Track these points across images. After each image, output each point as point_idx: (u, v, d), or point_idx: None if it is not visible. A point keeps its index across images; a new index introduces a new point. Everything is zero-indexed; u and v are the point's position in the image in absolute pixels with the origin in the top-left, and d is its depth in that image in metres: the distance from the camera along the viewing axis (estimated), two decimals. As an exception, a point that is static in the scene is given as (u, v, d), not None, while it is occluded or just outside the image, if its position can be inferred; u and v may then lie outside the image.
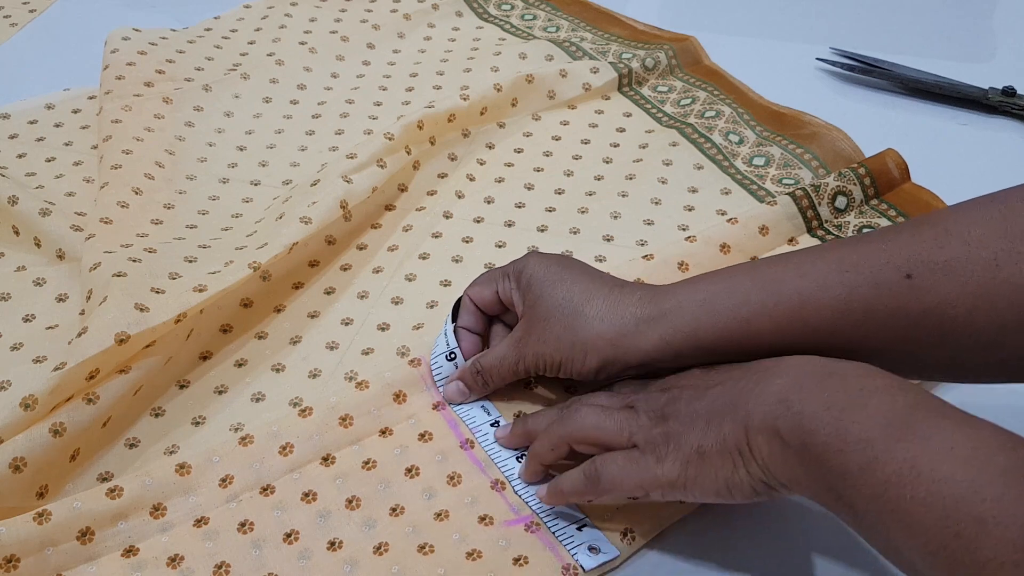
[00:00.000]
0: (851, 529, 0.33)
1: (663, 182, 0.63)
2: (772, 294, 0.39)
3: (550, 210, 0.61)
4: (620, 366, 0.42)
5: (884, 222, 0.58)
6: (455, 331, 0.47)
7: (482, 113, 0.67)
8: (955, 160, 0.66)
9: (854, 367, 0.35)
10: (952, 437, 0.30)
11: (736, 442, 0.36)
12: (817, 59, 0.77)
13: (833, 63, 0.76)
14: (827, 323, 0.38)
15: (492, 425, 0.46)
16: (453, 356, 0.47)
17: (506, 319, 0.48)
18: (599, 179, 0.64)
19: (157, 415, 0.47)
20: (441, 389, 0.47)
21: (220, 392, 0.48)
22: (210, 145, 0.66)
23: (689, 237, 0.54)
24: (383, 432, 0.46)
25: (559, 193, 0.63)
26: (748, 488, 0.36)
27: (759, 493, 0.36)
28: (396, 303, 0.54)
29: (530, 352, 0.43)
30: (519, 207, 0.61)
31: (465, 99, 0.66)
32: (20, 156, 0.64)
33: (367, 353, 0.51)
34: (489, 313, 0.48)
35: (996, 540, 0.27)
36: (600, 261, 0.57)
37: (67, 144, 0.66)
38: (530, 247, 0.58)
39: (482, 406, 0.47)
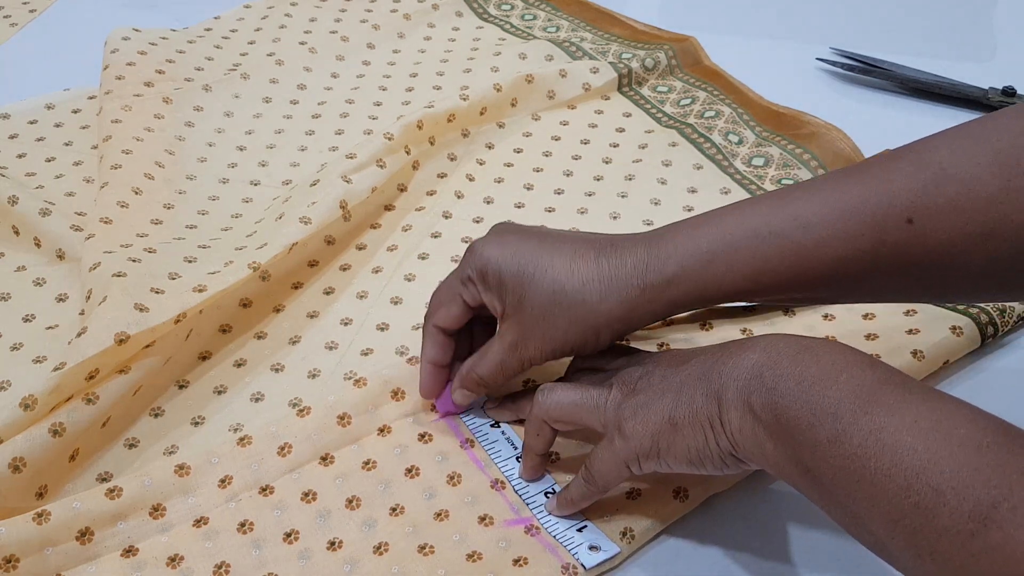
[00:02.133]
0: (815, 504, 0.34)
1: (663, 182, 0.63)
2: (777, 250, 0.39)
3: (550, 210, 0.61)
4: (633, 329, 0.43)
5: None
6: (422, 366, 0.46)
7: (482, 113, 0.67)
8: (955, 160, 0.66)
9: (826, 344, 0.35)
10: (917, 410, 0.30)
11: (708, 414, 0.36)
12: (817, 59, 0.77)
13: (833, 63, 0.76)
14: (830, 272, 0.39)
15: (492, 427, 0.46)
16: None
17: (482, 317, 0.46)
18: (599, 179, 0.64)
19: (156, 415, 0.47)
20: (445, 399, 0.46)
21: (219, 392, 0.48)
22: (210, 145, 0.66)
23: (689, 237, 0.54)
24: (381, 430, 0.46)
25: (559, 193, 0.63)
26: (718, 459, 0.36)
27: (728, 465, 0.37)
28: (395, 303, 0.54)
29: (535, 351, 0.43)
30: (519, 207, 0.61)
31: (465, 99, 0.66)
32: (20, 156, 0.64)
33: (366, 353, 0.51)
34: (457, 328, 0.45)
35: (952, 510, 0.28)
36: (600, 261, 0.57)
37: (67, 144, 0.66)
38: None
39: (482, 406, 0.47)
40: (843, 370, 0.33)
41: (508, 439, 0.45)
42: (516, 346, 0.43)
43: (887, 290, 0.40)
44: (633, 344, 0.47)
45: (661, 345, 0.51)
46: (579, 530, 0.41)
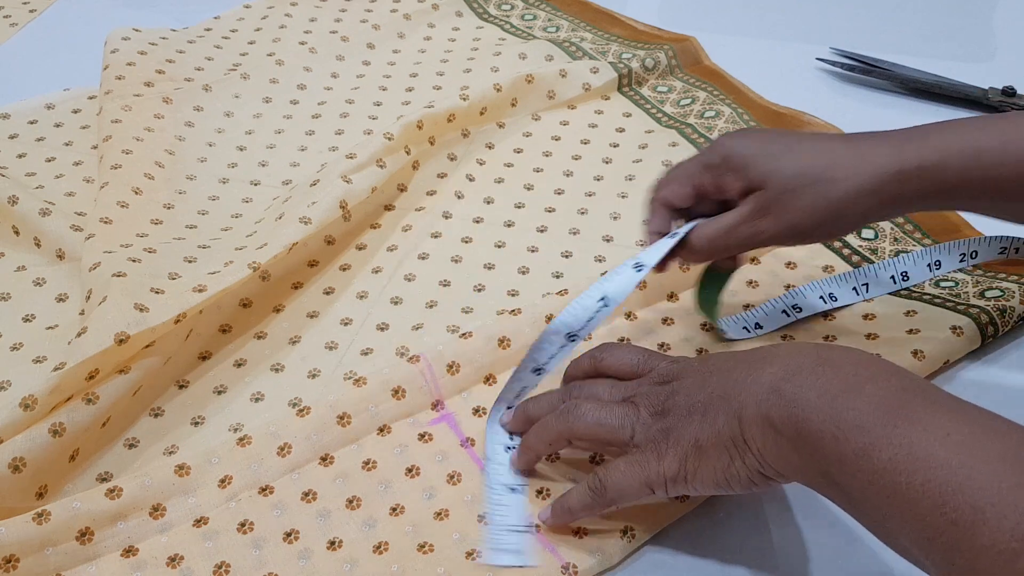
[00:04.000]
0: (847, 514, 0.33)
1: (663, 182, 0.63)
2: None
3: (550, 210, 0.61)
4: (875, 219, 0.43)
5: (884, 223, 0.58)
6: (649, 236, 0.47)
7: (482, 113, 0.67)
8: (955, 160, 0.66)
9: (846, 354, 0.35)
10: (947, 423, 0.30)
11: (731, 434, 0.36)
12: (817, 59, 0.77)
13: (833, 63, 0.76)
14: None
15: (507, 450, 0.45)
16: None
17: (697, 210, 0.46)
18: (599, 179, 0.64)
19: (156, 415, 0.47)
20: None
21: (219, 392, 0.49)
22: (210, 145, 0.66)
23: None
24: (381, 430, 0.46)
25: (559, 193, 0.63)
26: (745, 479, 0.36)
27: (756, 484, 0.36)
28: (395, 303, 0.54)
29: (773, 225, 0.43)
30: (519, 207, 0.61)
31: (465, 99, 0.66)
32: (20, 156, 0.64)
33: (366, 353, 0.51)
34: (679, 206, 0.46)
35: (993, 528, 0.27)
36: (600, 261, 0.57)
37: (67, 144, 0.66)
38: (530, 247, 0.58)
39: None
40: (867, 381, 0.32)
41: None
42: (753, 215, 0.43)
43: None
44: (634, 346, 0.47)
45: (661, 346, 0.51)
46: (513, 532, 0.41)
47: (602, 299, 0.42)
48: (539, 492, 0.43)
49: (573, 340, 0.43)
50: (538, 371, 0.44)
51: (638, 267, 0.44)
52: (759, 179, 0.43)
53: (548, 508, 0.41)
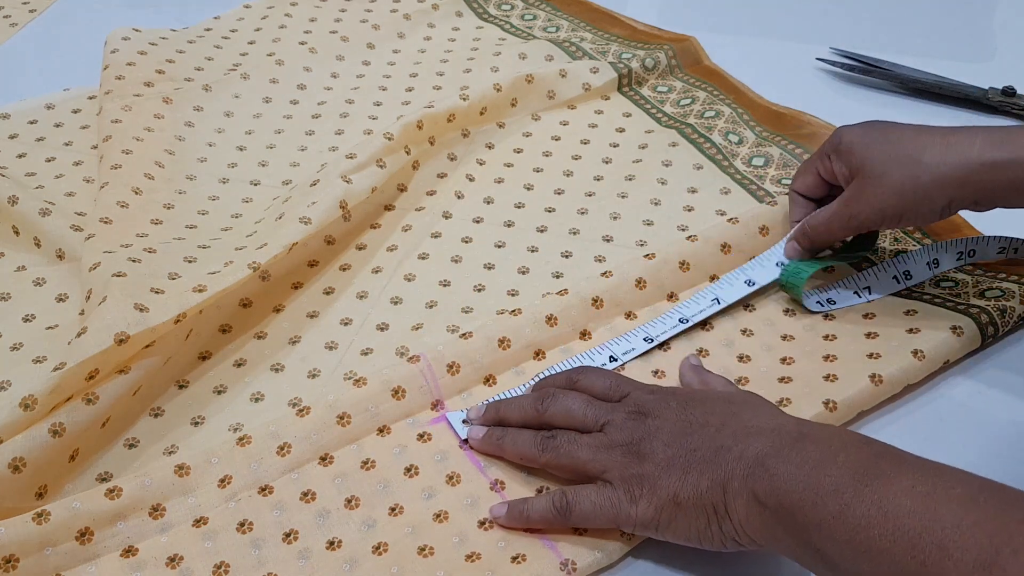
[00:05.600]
0: None
1: (663, 183, 0.63)
2: None
3: (550, 210, 0.61)
4: (964, 205, 0.46)
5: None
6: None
7: (482, 113, 0.67)
8: (955, 160, 0.66)
9: (824, 428, 0.37)
10: (912, 477, 0.32)
11: (713, 500, 0.37)
12: (817, 59, 0.77)
13: (833, 63, 0.76)
14: None
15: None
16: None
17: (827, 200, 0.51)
18: (599, 179, 0.64)
19: (156, 415, 0.47)
20: (785, 243, 0.53)
21: (219, 392, 0.49)
22: (210, 145, 0.66)
23: (690, 237, 0.54)
24: (381, 431, 0.46)
25: (559, 193, 0.63)
26: (718, 541, 0.38)
27: (727, 547, 0.38)
28: (395, 303, 0.54)
29: (866, 207, 0.47)
30: (519, 207, 0.61)
31: (465, 99, 0.66)
32: (20, 156, 0.64)
33: (366, 353, 0.51)
34: (812, 196, 0.52)
35: (957, 562, 0.29)
36: (600, 261, 0.57)
37: (67, 144, 0.66)
38: (530, 247, 0.58)
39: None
40: (840, 450, 0.35)
41: None
42: (849, 201, 0.47)
43: None
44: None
45: (661, 345, 0.50)
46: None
47: (715, 300, 0.51)
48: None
49: (685, 323, 0.50)
50: (649, 340, 0.50)
51: (749, 283, 0.52)
52: (858, 164, 0.47)
53: (504, 505, 0.42)
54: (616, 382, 0.44)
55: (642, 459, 0.39)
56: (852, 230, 0.49)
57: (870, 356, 0.48)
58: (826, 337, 0.51)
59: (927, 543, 0.30)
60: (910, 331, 0.50)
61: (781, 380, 0.48)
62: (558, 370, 0.48)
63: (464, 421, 0.46)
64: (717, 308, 0.51)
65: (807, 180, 0.52)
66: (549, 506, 0.40)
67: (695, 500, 0.38)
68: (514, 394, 0.47)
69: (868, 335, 0.50)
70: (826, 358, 0.49)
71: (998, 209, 0.47)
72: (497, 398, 0.47)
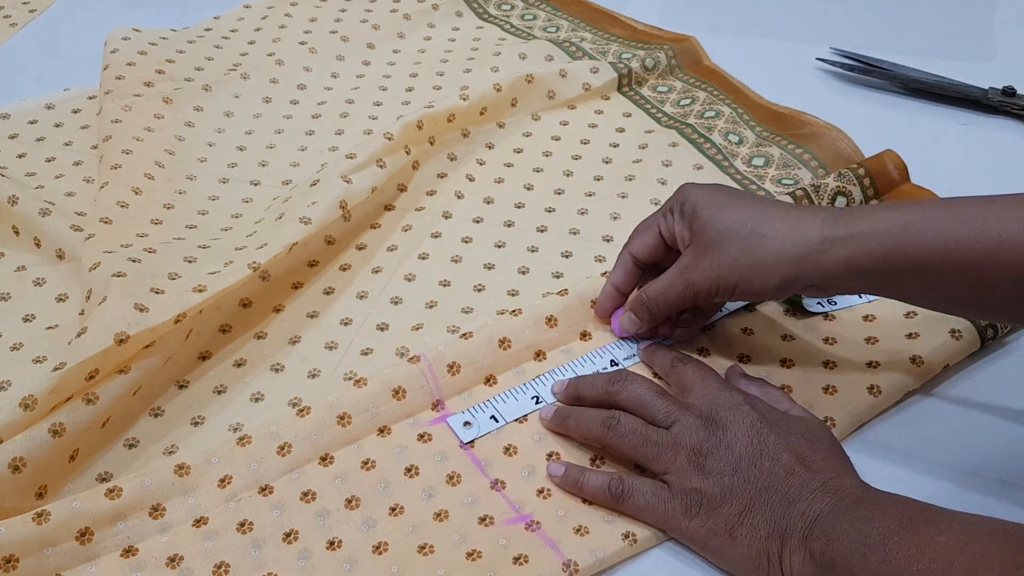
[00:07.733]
0: None
1: (663, 183, 0.63)
2: (972, 231, 0.39)
3: (550, 210, 0.61)
4: (800, 285, 0.42)
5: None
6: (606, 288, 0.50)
7: (482, 113, 0.67)
8: (955, 160, 0.66)
9: (881, 492, 0.38)
10: (952, 519, 0.34)
11: (768, 549, 0.38)
12: (817, 59, 0.77)
13: (833, 63, 0.76)
14: (1021, 265, 0.39)
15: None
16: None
17: (664, 263, 0.48)
18: (599, 179, 0.64)
19: (156, 415, 0.47)
20: (616, 320, 0.50)
21: (219, 392, 0.49)
22: (210, 145, 0.66)
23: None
24: (381, 431, 0.46)
25: (559, 193, 0.63)
26: None
27: None
28: (395, 303, 0.54)
29: (702, 277, 0.44)
30: (519, 207, 0.61)
31: (465, 99, 0.66)
32: (20, 156, 0.64)
33: (366, 353, 0.51)
34: (650, 262, 0.48)
35: None
36: (600, 261, 0.57)
37: (67, 144, 0.66)
38: (530, 247, 0.58)
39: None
40: (891, 505, 0.36)
41: None
42: (686, 269, 0.45)
43: None
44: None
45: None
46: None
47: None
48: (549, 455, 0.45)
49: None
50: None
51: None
52: (699, 229, 0.44)
53: (562, 466, 0.43)
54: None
55: (705, 474, 0.40)
56: (690, 300, 0.45)
57: (869, 365, 0.48)
58: (826, 340, 0.51)
59: (958, 568, 0.32)
60: (909, 336, 0.49)
61: (781, 389, 0.48)
62: (558, 371, 0.48)
63: (534, 398, 0.47)
64: (722, 315, 0.51)
65: (647, 240, 0.48)
66: (605, 487, 0.41)
67: (751, 542, 0.38)
68: (514, 394, 0.47)
69: (868, 340, 0.50)
70: (826, 364, 0.49)
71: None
72: (497, 398, 0.47)
